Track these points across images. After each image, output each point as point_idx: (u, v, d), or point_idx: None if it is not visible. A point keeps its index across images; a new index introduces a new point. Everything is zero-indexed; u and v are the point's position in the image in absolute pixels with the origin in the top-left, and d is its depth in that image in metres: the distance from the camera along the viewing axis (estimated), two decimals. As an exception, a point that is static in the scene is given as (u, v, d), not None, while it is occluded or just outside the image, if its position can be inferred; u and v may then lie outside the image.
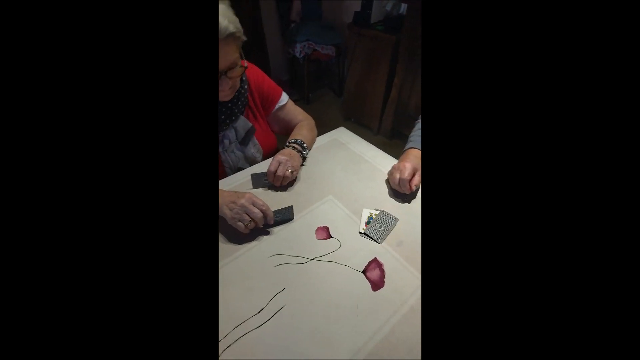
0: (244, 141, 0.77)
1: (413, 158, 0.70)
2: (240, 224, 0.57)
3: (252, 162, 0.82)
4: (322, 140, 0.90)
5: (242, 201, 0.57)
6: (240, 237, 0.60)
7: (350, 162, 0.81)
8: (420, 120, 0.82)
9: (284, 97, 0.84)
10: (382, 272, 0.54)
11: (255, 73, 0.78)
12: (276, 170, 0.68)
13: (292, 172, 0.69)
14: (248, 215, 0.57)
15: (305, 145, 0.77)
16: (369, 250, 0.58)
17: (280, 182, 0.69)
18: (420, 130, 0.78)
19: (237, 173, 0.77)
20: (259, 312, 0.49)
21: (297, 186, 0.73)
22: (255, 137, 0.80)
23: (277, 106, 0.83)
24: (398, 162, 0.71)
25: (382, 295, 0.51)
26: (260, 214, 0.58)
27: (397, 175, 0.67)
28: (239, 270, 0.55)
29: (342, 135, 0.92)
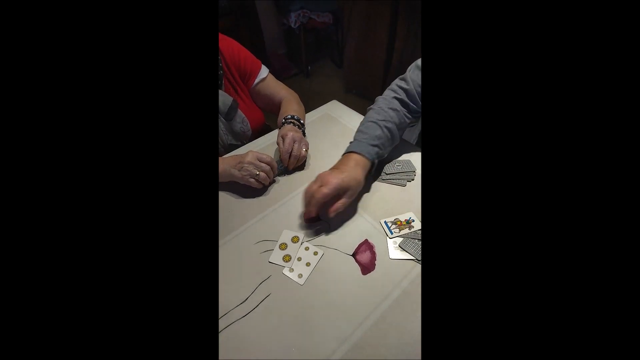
0: (228, 116, 0.73)
1: (345, 168, 0.53)
2: (252, 180, 0.60)
3: (242, 137, 0.79)
4: (312, 116, 0.84)
5: (248, 159, 0.59)
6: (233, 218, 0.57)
7: (341, 137, 0.76)
8: (376, 106, 0.63)
9: (264, 71, 0.80)
10: (373, 254, 0.51)
11: (229, 45, 0.73)
12: (292, 151, 0.64)
13: (306, 150, 0.66)
14: (257, 170, 0.59)
15: (302, 121, 0.73)
16: (359, 231, 0.55)
17: (295, 164, 0.65)
18: (370, 122, 0.60)
19: (235, 152, 0.74)
20: (244, 301, 0.47)
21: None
22: (240, 111, 0.76)
23: (257, 80, 0.79)
24: (327, 172, 0.54)
25: (372, 279, 0.48)
26: (268, 167, 0.61)
27: (313, 189, 0.51)
28: (224, 258, 0.53)
29: (333, 109, 0.86)
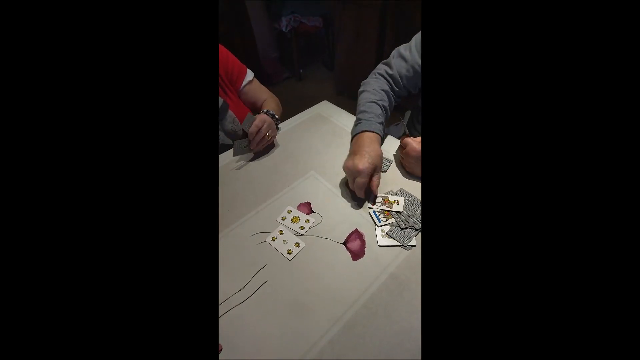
0: (219, 116, 0.77)
1: (364, 151, 0.59)
2: None
3: (233, 136, 0.84)
4: (304, 115, 0.88)
5: None
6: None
7: (332, 135, 0.80)
8: (369, 88, 0.72)
9: (250, 74, 0.87)
10: (363, 242, 0.55)
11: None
12: (260, 129, 0.69)
13: (270, 137, 0.73)
14: None
15: (277, 117, 0.80)
16: (350, 222, 0.58)
17: (257, 145, 0.71)
18: (370, 102, 0.68)
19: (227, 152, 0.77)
20: (242, 289, 0.50)
21: (278, 164, 0.73)
22: (230, 111, 0.81)
23: (244, 82, 0.85)
24: (350, 160, 0.59)
25: (362, 264, 0.52)
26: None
27: (357, 183, 0.57)
28: (223, 250, 0.55)
29: (324, 109, 0.90)
